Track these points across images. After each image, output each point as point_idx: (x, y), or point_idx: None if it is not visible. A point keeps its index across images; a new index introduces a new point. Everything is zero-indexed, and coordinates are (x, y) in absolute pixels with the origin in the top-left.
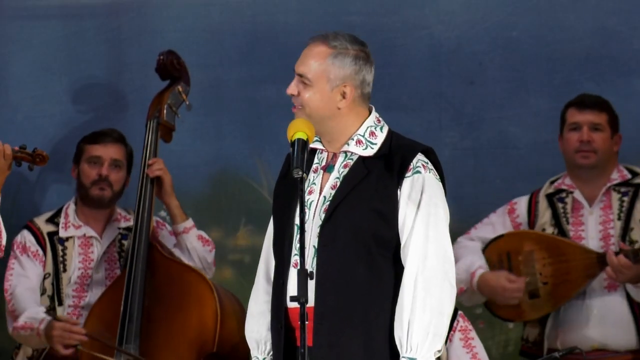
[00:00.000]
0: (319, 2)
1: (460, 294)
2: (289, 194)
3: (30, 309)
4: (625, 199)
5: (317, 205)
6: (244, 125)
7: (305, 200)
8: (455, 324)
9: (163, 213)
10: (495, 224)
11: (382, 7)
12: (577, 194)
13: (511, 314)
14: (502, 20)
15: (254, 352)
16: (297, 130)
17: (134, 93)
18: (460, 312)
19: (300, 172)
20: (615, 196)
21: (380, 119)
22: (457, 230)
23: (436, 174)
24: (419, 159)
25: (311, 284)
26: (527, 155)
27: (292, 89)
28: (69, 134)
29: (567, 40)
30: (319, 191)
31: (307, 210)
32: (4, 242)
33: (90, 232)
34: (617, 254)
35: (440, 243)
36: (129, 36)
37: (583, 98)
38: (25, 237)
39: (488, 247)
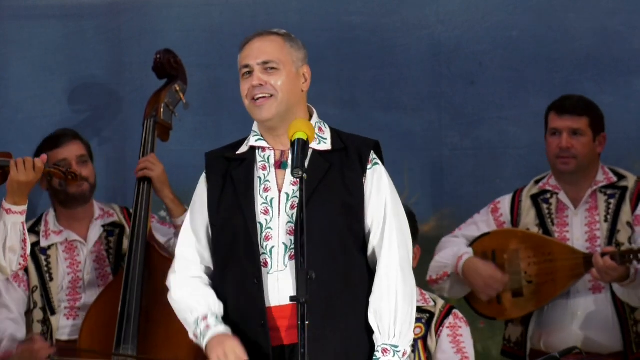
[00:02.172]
0: (319, 2)
1: (443, 280)
2: (235, 191)
3: (7, 332)
4: (612, 201)
5: (279, 202)
6: (244, 125)
7: (264, 197)
8: (445, 320)
9: (163, 213)
10: (479, 223)
11: (382, 7)
12: (562, 196)
13: (493, 311)
14: (502, 20)
15: (194, 313)
16: (297, 130)
17: (133, 93)
18: (455, 310)
19: (301, 172)
20: (601, 198)
21: None
22: None
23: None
24: (374, 151)
25: (286, 282)
26: (527, 155)
27: (258, 79)
28: None
29: (567, 40)
30: (277, 188)
31: (269, 208)
32: (28, 251)
33: (73, 236)
34: (602, 255)
35: (405, 233)
36: (129, 36)
37: (564, 102)
38: None
39: (474, 244)
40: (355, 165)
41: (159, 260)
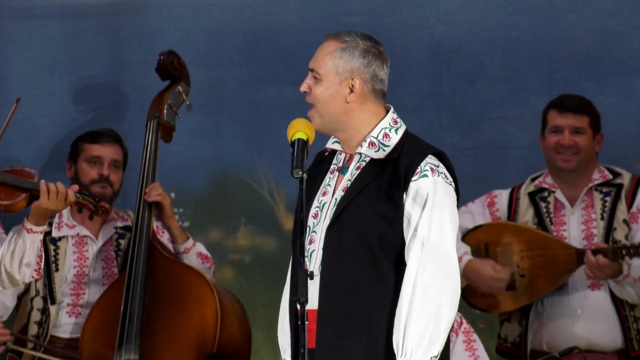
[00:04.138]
0: (319, 2)
1: None
2: (308, 192)
3: None
4: (608, 198)
5: (328, 207)
6: (244, 125)
7: (319, 201)
8: (455, 325)
9: None
10: (475, 214)
11: (382, 7)
12: (559, 194)
13: (486, 304)
14: (502, 20)
15: (282, 355)
16: (297, 130)
17: (134, 93)
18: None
19: (300, 172)
20: (597, 196)
21: (398, 120)
22: None
23: (446, 177)
24: (428, 162)
25: (316, 287)
26: (527, 155)
27: (304, 86)
28: (69, 134)
29: (567, 40)
30: (332, 193)
31: (319, 212)
32: (42, 265)
33: (84, 231)
34: (594, 253)
35: (443, 248)
36: (129, 36)
37: (564, 100)
38: None
39: (466, 237)
40: (401, 175)
41: (161, 260)
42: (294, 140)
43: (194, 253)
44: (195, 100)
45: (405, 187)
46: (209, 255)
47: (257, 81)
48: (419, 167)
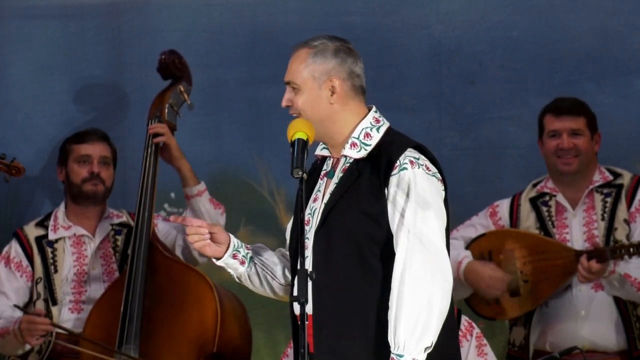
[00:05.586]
0: (319, 2)
1: None
2: (304, 199)
3: (5, 314)
4: (608, 199)
5: (319, 212)
6: (244, 125)
7: (311, 208)
8: (464, 329)
9: (163, 213)
10: (477, 226)
11: (382, 7)
12: (560, 198)
13: (492, 312)
14: (502, 20)
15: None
16: (297, 130)
17: (134, 93)
18: (463, 315)
19: (301, 172)
20: (598, 197)
21: (381, 118)
22: None
23: (428, 169)
24: (407, 155)
25: (309, 290)
26: (527, 155)
27: (286, 100)
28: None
29: (567, 40)
30: (321, 198)
31: (310, 219)
32: None
33: (81, 230)
34: (593, 254)
35: (429, 238)
36: (129, 36)
37: (558, 103)
38: (12, 246)
39: (470, 246)
40: (381, 171)
41: (161, 260)
42: (294, 140)
43: (206, 198)
44: (195, 100)
45: (385, 183)
46: (220, 202)
47: (257, 81)
48: (398, 161)
